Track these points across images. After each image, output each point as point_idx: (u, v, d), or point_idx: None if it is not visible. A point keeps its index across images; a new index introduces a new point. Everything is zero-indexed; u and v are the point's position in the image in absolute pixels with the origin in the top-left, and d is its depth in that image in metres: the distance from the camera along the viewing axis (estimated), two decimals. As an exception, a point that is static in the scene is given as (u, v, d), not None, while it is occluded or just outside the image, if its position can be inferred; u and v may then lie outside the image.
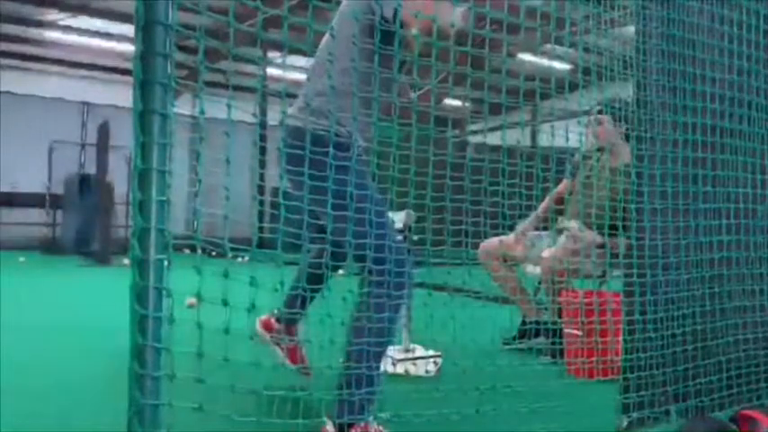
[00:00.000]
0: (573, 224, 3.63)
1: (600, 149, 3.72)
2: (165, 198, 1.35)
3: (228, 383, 1.58)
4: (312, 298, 2.58)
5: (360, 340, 2.01)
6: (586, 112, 3.69)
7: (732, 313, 2.40)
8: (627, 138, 3.60)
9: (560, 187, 3.92)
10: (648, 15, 2.23)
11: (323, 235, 2.10)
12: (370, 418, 2.06)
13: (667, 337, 2.22)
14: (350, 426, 2.00)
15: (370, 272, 2.04)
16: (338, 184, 1.94)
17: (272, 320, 2.82)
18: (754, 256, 2.47)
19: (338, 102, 2.01)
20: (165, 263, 1.34)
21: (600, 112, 3.62)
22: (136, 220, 1.32)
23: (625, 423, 2.16)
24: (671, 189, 2.27)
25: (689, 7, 2.34)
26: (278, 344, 2.77)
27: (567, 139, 2.54)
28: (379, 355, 2.07)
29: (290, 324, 2.85)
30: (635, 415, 2.16)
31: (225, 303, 1.57)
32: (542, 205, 3.84)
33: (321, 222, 2.09)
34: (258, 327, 2.78)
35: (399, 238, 2.15)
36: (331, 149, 1.93)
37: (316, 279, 2.48)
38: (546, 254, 3.44)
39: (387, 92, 2.23)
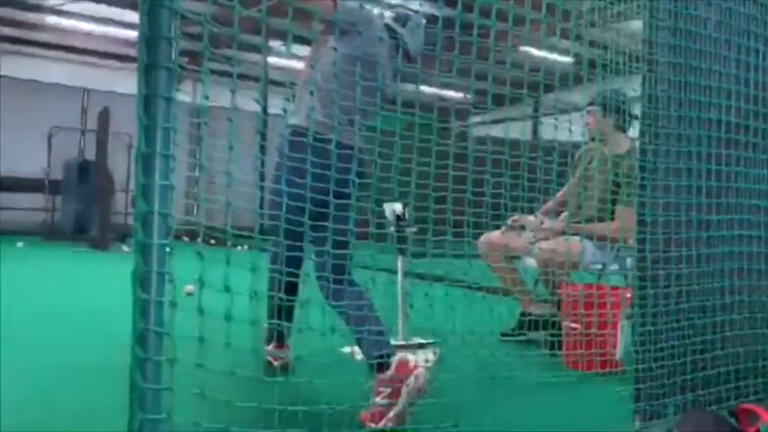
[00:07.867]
0: (531, 218, 3.66)
1: (593, 139, 3.71)
2: (168, 182, 1.34)
3: (229, 369, 1.58)
4: (291, 308, 2.49)
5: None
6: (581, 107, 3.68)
7: (735, 308, 2.40)
8: (620, 128, 3.60)
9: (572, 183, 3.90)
10: (656, 8, 2.22)
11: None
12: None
13: (667, 331, 2.22)
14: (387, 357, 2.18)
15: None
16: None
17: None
18: (757, 251, 2.46)
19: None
20: (168, 248, 1.34)
21: (591, 103, 3.61)
22: (139, 205, 1.32)
23: (638, 423, 2.16)
24: (675, 183, 2.26)
25: (697, 0, 2.32)
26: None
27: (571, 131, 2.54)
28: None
29: (279, 341, 2.80)
30: (644, 407, 2.15)
31: (227, 289, 1.57)
32: (557, 196, 3.83)
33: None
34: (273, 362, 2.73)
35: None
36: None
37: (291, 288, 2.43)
38: (542, 246, 3.43)
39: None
